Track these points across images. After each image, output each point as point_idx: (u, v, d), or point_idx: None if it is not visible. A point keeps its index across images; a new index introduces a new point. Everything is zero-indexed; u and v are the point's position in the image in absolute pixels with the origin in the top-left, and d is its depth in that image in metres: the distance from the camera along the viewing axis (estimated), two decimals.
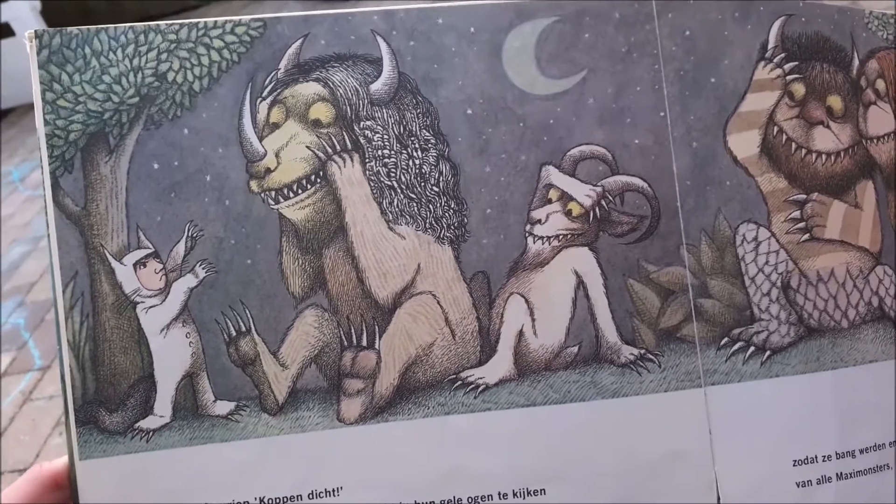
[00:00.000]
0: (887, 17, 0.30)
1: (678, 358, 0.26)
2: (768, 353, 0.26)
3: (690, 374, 0.26)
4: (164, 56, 0.25)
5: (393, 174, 0.25)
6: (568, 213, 0.26)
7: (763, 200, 0.27)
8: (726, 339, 0.26)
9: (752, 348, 0.26)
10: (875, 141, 0.29)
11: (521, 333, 0.25)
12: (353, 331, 0.25)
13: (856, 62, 0.29)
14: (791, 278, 0.27)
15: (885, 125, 0.30)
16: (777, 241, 0.27)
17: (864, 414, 0.27)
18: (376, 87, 0.25)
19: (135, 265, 0.25)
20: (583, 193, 0.26)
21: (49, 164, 0.24)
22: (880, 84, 0.30)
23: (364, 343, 0.25)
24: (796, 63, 0.28)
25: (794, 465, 0.26)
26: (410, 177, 0.25)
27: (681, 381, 0.26)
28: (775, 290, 0.27)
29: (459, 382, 0.25)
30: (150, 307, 0.24)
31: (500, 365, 0.25)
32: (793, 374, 0.26)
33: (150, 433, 0.24)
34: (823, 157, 0.28)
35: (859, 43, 0.29)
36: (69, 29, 0.25)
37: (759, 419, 0.26)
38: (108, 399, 0.24)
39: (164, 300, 0.25)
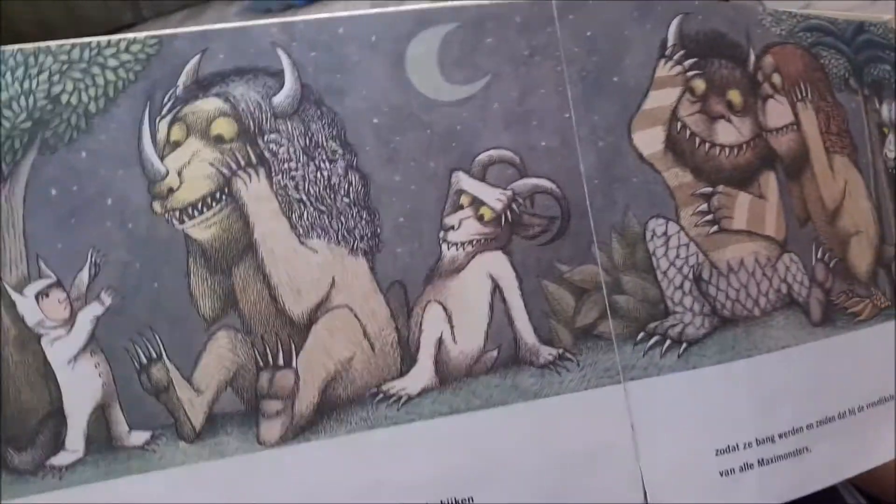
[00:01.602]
0: (780, 13, 0.36)
1: (596, 355, 0.29)
2: (684, 345, 0.30)
3: (609, 371, 0.29)
4: (56, 78, 0.27)
5: (301, 187, 0.28)
6: (480, 218, 0.29)
7: (671, 195, 0.31)
8: (642, 333, 0.30)
9: (668, 341, 0.30)
10: (774, 133, 0.34)
11: (440, 341, 0.28)
12: (268, 350, 0.27)
13: (752, 57, 0.34)
14: (702, 270, 0.31)
15: (782, 117, 0.35)
16: (686, 234, 0.31)
17: (781, 399, 0.32)
18: (279, 99, 0.28)
19: (37, 296, 0.27)
20: (493, 198, 0.29)
21: None
22: (776, 78, 0.35)
23: (281, 362, 0.27)
24: (696, 59, 0.32)
25: (716, 455, 0.30)
26: (319, 189, 0.28)
27: (600, 379, 0.29)
28: (687, 282, 0.30)
29: (381, 395, 0.28)
30: (56, 339, 0.27)
31: (422, 374, 0.28)
32: (710, 365, 0.30)
33: (63, 470, 0.26)
34: (727, 150, 0.32)
35: (755, 39, 0.34)
36: None
37: (679, 411, 0.30)
38: (16, 438, 0.26)
39: (69, 330, 0.27)
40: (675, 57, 0.32)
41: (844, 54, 0.37)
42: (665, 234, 0.32)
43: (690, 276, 0.32)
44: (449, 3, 0.30)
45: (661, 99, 0.32)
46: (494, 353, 0.30)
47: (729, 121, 0.33)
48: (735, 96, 0.33)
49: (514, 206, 0.30)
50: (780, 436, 0.32)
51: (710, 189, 0.32)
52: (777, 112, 0.34)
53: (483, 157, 0.30)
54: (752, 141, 0.33)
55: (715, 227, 0.32)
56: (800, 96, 0.35)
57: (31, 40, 0.28)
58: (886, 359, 0.35)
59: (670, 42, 0.32)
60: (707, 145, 0.33)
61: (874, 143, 0.37)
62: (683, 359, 0.31)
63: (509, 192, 0.30)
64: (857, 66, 0.37)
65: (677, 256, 0.32)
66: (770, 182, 0.33)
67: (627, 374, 0.31)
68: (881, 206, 0.37)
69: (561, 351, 0.30)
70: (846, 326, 0.34)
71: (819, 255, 0.34)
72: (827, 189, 0.35)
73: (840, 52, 0.37)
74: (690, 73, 0.32)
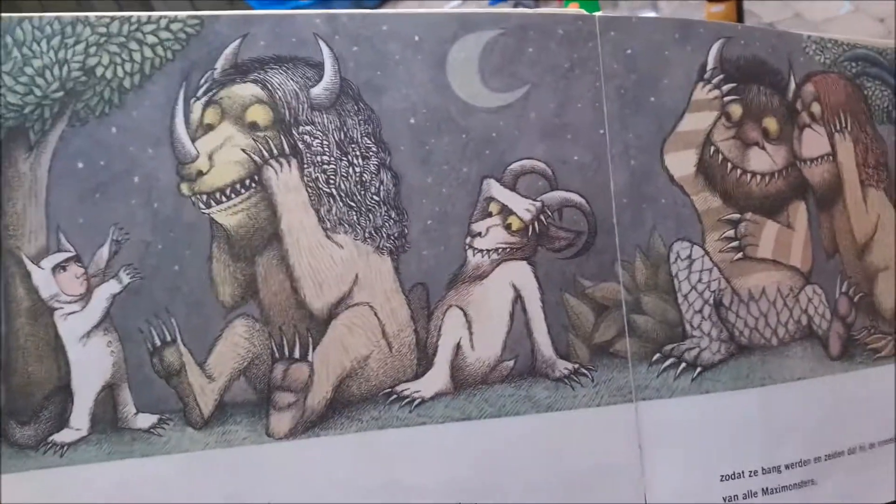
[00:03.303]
0: (825, 41, 0.35)
1: (611, 373, 0.29)
2: (699, 369, 0.30)
3: (622, 389, 0.29)
4: (92, 50, 0.26)
5: (332, 181, 0.27)
6: (508, 227, 0.29)
7: (698, 219, 0.30)
8: (658, 354, 0.29)
9: (683, 364, 0.30)
10: (808, 163, 0.34)
11: (458, 346, 0.28)
12: (285, 342, 0.27)
13: (792, 85, 0.34)
14: (723, 296, 0.30)
15: (818, 148, 0.35)
16: (710, 259, 0.30)
17: (791, 430, 0.31)
18: (317, 91, 0.27)
19: (54, 269, 0.26)
20: (522, 208, 0.29)
21: None
22: (815, 107, 0.35)
23: (296, 355, 0.27)
24: (734, 84, 0.31)
25: (721, 480, 0.30)
26: (350, 184, 0.27)
27: (613, 396, 0.29)
28: (707, 307, 0.30)
29: (395, 396, 0.27)
30: (70, 314, 0.26)
31: (437, 378, 0.28)
32: (722, 391, 0.30)
33: (65, 447, 0.26)
34: (758, 177, 0.32)
35: (796, 67, 0.34)
36: None
37: (688, 434, 0.29)
38: (20, 411, 0.25)
39: (84, 306, 0.26)
40: (714, 81, 0.32)
41: (890, 86, 0.37)
42: (689, 257, 0.31)
43: (711, 301, 0.31)
44: (493, 10, 0.30)
45: (697, 122, 0.32)
46: (511, 362, 0.29)
47: (763, 148, 0.33)
48: (771, 124, 0.33)
49: (542, 217, 0.30)
50: (787, 466, 0.31)
51: (737, 216, 0.32)
52: (813, 142, 0.34)
53: (516, 166, 0.30)
54: (785, 170, 0.33)
55: (739, 254, 0.32)
56: (838, 127, 0.35)
57: None
58: None
59: (710, 65, 0.32)
60: (739, 171, 0.32)
61: None
62: (697, 383, 0.31)
63: (539, 204, 0.30)
64: None
65: (699, 281, 0.31)
66: (800, 212, 0.33)
67: (640, 393, 0.30)
68: None
69: (577, 366, 0.30)
70: (865, 362, 0.34)
71: (844, 288, 0.34)
72: (858, 222, 0.35)
73: (885, 84, 0.37)
74: (728, 98, 0.32)
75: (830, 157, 0.34)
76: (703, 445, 0.31)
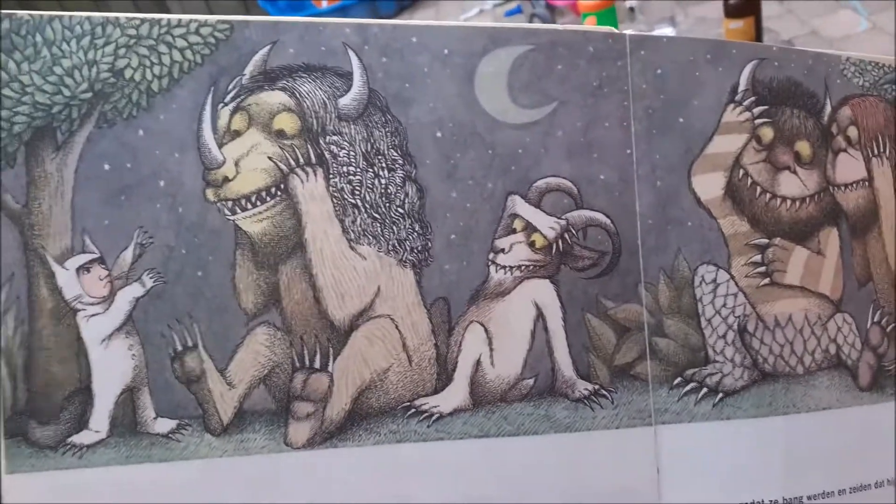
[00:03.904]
0: (865, 63, 0.35)
1: (631, 395, 0.28)
2: (721, 395, 0.29)
3: (642, 412, 0.28)
4: (122, 52, 0.26)
5: (357, 192, 0.27)
6: (531, 245, 0.28)
7: (724, 243, 0.30)
8: (679, 378, 0.29)
9: (704, 389, 0.29)
10: (843, 188, 0.33)
11: (478, 363, 0.27)
12: (305, 352, 0.27)
13: (828, 108, 0.33)
14: (748, 322, 0.30)
15: (853, 173, 0.34)
16: (736, 284, 0.30)
17: (815, 461, 0.31)
18: (345, 101, 0.27)
19: (78, 270, 0.26)
20: (547, 226, 0.28)
21: None
22: (852, 131, 0.34)
23: (317, 365, 0.27)
24: (766, 107, 0.31)
25: None
26: (375, 196, 0.27)
27: (632, 419, 0.28)
28: (731, 332, 0.30)
29: (413, 410, 0.27)
30: (92, 315, 0.26)
31: (456, 394, 0.27)
32: (744, 418, 0.30)
33: (84, 449, 0.25)
34: (788, 202, 0.31)
35: (833, 89, 0.33)
36: (19, 14, 0.26)
37: (707, 460, 0.29)
38: (41, 411, 0.25)
39: (107, 309, 0.26)
40: (745, 103, 0.32)
41: None
42: (714, 281, 0.31)
43: (735, 326, 0.31)
44: (524, 25, 0.30)
45: (726, 144, 0.32)
46: (531, 381, 0.29)
47: (794, 172, 0.32)
48: (804, 148, 0.33)
49: (566, 236, 0.30)
50: (809, 498, 0.31)
51: (765, 240, 0.32)
52: (848, 167, 0.33)
53: (541, 183, 0.30)
54: (817, 195, 0.33)
55: (766, 280, 0.31)
56: (876, 151, 0.34)
57: None
58: None
59: (742, 87, 0.32)
60: (768, 196, 0.32)
61: None
62: (718, 409, 0.30)
63: (563, 222, 0.30)
64: None
65: (724, 305, 0.31)
66: (831, 239, 0.33)
67: (660, 417, 0.30)
68: None
69: (597, 387, 0.29)
70: None
71: (877, 318, 0.33)
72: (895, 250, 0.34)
73: None
74: (759, 121, 0.32)
75: (866, 183, 0.33)
76: (722, 472, 0.30)
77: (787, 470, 0.31)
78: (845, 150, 0.33)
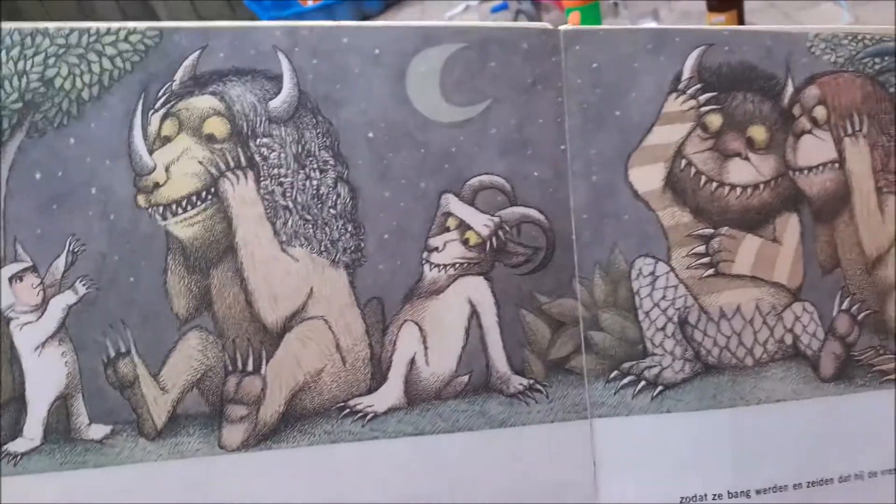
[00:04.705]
0: (839, 38, 0.32)
1: (566, 389, 0.28)
2: (660, 388, 0.29)
3: (577, 406, 0.28)
4: (51, 61, 0.26)
5: (289, 194, 0.27)
6: (465, 242, 0.28)
7: (664, 235, 0.30)
8: (616, 372, 0.29)
9: (642, 382, 0.29)
10: (805, 172, 0.32)
11: (412, 361, 0.27)
12: (238, 355, 0.27)
13: (790, 89, 0.32)
14: (689, 314, 0.30)
15: (820, 155, 0.32)
16: (676, 275, 0.30)
17: (766, 454, 0.31)
18: (275, 104, 0.27)
19: (10, 279, 0.26)
20: (481, 223, 0.28)
21: None
22: (819, 111, 0.32)
23: (250, 368, 0.26)
24: (714, 94, 0.30)
25: (681, 501, 0.29)
26: (307, 198, 0.27)
27: (567, 413, 0.28)
28: (671, 325, 0.29)
29: (347, 410, 0.27)
30: (25, 324, 0.26)
31: (390, 393, 0.27)
32: (686, 411, 0.29)
33: (19, 456, 0.26)
34: (738, 189, 0.31)
35: (796, 69, 0.32)
36: None
37: (647, 454, 0.29)
38: None
39: (40, 317, 0.26)
40: (690, 91, 0.31)
41: None
42: (653, 273, 0.31)
43: (676, 318, 0.31)
44: (456, 23, 0.30)
45: (667, 135, 0.31)
46: (465, 378, 0.29)
47: (746, 159, 0.31)
48: (758, 132, 0.31)
49: (500, 233, 0.30)
50: (759, 492, 0.31)
51: (710, 230, 0.31)
52: (813, 149, 0.32)
53: (474, 181, 0.30)
54: (774, 181, 0.32)
55: (711, 271, 0.31)
56: (850, 131, 0.32)
57: None
58: None
59: (685, 75, 0.31)
60: (714, 185, 0.31)
61: None
62: (657, 402, 0.30)
63: (497, 219, 0.30)
64: None
65: (663, 298, 0.31)
66: (790, 225, 0.32)
67: (596, 410, 0.30)
68: None
69: (532, 381, 0.29)
70: (868, 385, 0.32)
71: (845, 305, 0.32)
72: (870, 234, 0.32)
73: None
74: (705, 109, 0.31)
75: (836, 165, 0.32)
76: (663, 465, 0.30)
77: (735, 463, 0.31)
78: (810, 132, 0.32)
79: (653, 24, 1.06)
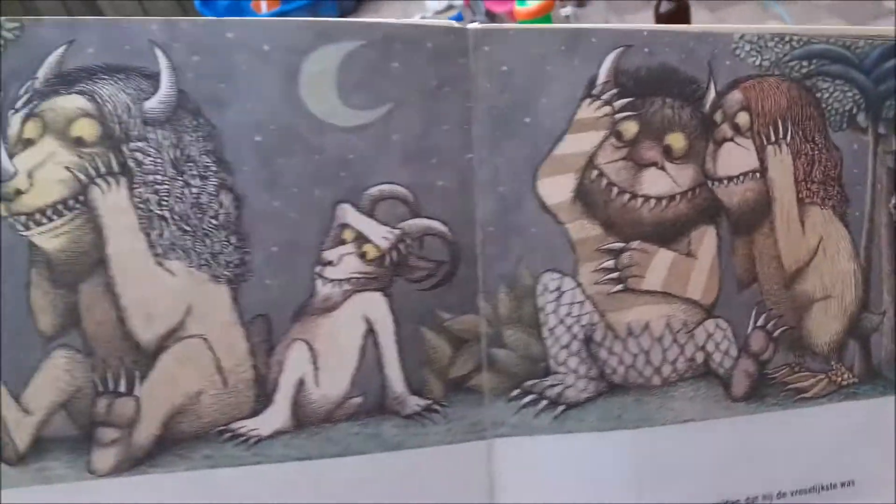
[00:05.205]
0: (764, 39, 0.30)
1: (466, 409, 0.27)
2: (562, 407, 0.28)
3: (476, 426, 0.27)
4: None
5: (165, 203, 0.25)
6: (362, 256, 0.27)
7: (572, 248, 0.28)
8: (518, 390, 0.28)
9: (544, 402, 0.28)
10: (725, 182, 0.30)
11: (301, 382, 0.26)
12: (109, 375, 0.25)
13: (712, 94, 0.30)
14: (595, 331, 0.28)
15: (740, 164, 0.30)
16: (583, 291, 0.28)
17: (671, 475, 0.30)
18: (151, 104, 0.25)
19: None
20: (380, 236, 0.26)
21: None
22: (742, 118, 0.30)
23: (122, 389, 0.25)
24: (630, 100, 0.28)
25: None
26: (185, 207, 0.25)
27: (466, 433, 0.27)
28: (576, 342, 0.28)
29: (230, 434, 0.25)
30: None
31: (276, 416, 0.26)
32: (588, 431, 0.28)
33: None
34: (652, 201, 0.29)
35: (720, 72, 0.30)
36: None
37: (547, 474, 0.28)
38: None
39: None
40: (605, 97, 0.29)
41: (857, 84, 0.31)
42: (559, 289, 0.29)
43: (581, 336, 0.29)
44: (354, 20, 0.27)
45: (578, 144, 0.29)
46: (359, 399, 0.28)
47: (662, 168, 0.30)
48: (676, 141, 0.30)
49: (401, 246, 0.28)
50: None
51: (620, 244, 0.30)
52: (734, 158, 0.30)
53: (374, 191, 0.28)
54: (692, 191, 0.30)
55: (619, 287, 0.30)
56: (773, 138, 0.31)
57: None
58: (840, 442, 0.31)
59: (601, 79, 0.29)
60: (627, 196, 0.30)
61: (877, 193, 0.32)
62: (559, 421, 0.29)
63: (398, 232, 0.28)
64: (874, 99, 0.32)
65: (568, 314, 0.29)
66: (706, 238, 0.30)
67: (495, 430, 0.29)
68: (870, 268, 0.32)
69: (429, 402, 0.28)
70: (782, 403, 0.31)
71: (761, 321, 0.30)
72: (790, 246, 0.31)
73: (851, 82, 0.31)
74: (620, 115, 0.29)
75: (757, 174, 0.30)
76: (562, 486, 0.29)
77: (638, 485, 0.30)
78: (731, 140, 0.30)
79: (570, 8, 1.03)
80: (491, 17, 1.09)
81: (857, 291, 0.31)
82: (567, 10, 1.04)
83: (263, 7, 1.13)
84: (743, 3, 0.94)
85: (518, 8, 0.97)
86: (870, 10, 0.83)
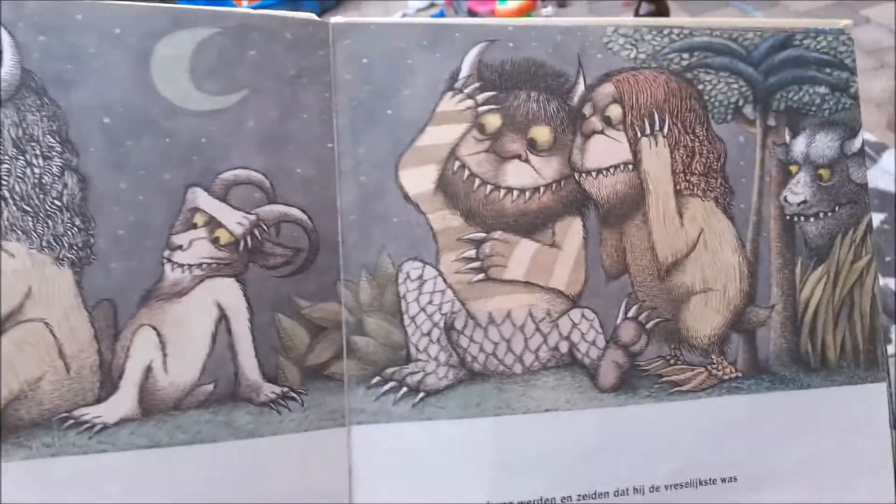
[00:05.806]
0: (641, 32, 0.31)
1: (323, 396, 0.27)
2: (422, 394, 0.28)
3: (334, 413, 0.27)
4: None
5: (5, 182, 0.24)
6: (215, 241, 0.26)
7: (433, 238, 0.28)
8: (378, 378, 0.28)
9: (404, 389, 0.28)
10: (594, 174, 0.31)
11: (149, 369, 0.25)
12: None
13: (580, 88, 0.30)
14: (456, 319, 0.29)
15: (611, 156, 0.31)
16: (444, 280, 0.28)
17: (532, 465, 0.30)
18: None
19: None
20: (234, 221, 0.26)
21: None
22: (614, 110, 0.31)
23: None
24: (494, 93, 0.29)
25: None
26: (27, 187, 0.24)
27: (323, 420, 0.27)
28: (437, 330, 0.28)
29: (72, 421, 0.24)
30: None
31: (122, 403, 0.25)
32: (447, 418, 0.28)
33: None
34: (515, 193, 0.30)
35: (590, 66, 0.31)
36: None
37: (406, 462, 0.28)
38: None
39: None
40: (467, 90, 0.30)
41: (743, 76, 0.32)
42: (420, 278, 0.30)
43: (442, 324, 0.30)
44: (210, 8, 0.27)
45: (440, 136, 0.30)
46: (210, 386, 0.27)
47: (526, 161, 0.30)
48: (541, 134, 0.30)
49: (256, 232, 0.28)
50: None
51: (481, 235, 0.30)
52: (604, 150, 0.31)
53: (228, 175, 0.27)
54: (556, 183, 0.30)
55: (480, 276, 0.30)
56: (648, 130, 0.31)
57: None
58: (720, 436, 0.31)
59: (463, 73, 0.30)
60: (489, 188, 0.30)
61: (765, 185, 0.32)
62: (418, 409, 0.29)
63: (253, 217, 0.28)
64: (762, 91, 0.32)
65: (430, 302, 0.30)
66: (571, 229, 0.30)
67: (355, 417, 0.28)
68: (758, 261, 0.32)
69: (285, 389, 0.28)
70: (656, 396, 0.30)
71: (632, 313, 0.31)
72: (666, 238, 0.31)
73: (737, 75, 0.32)
74: (483, 108, 0.30)
75: (630, 166, 0.31)
76: (422, 474, 0.29)
77: (497, 474, 0.30)
78: (602, 132, 0.31)
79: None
80: (473, 15, 1.10)
81: (742, 285, 0.31)
82: (548, 10, 1.06)
83: (244, 2, 1.12)
84: (723, 6, 0.98)
85: (499, 7, 0.98)
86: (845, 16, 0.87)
